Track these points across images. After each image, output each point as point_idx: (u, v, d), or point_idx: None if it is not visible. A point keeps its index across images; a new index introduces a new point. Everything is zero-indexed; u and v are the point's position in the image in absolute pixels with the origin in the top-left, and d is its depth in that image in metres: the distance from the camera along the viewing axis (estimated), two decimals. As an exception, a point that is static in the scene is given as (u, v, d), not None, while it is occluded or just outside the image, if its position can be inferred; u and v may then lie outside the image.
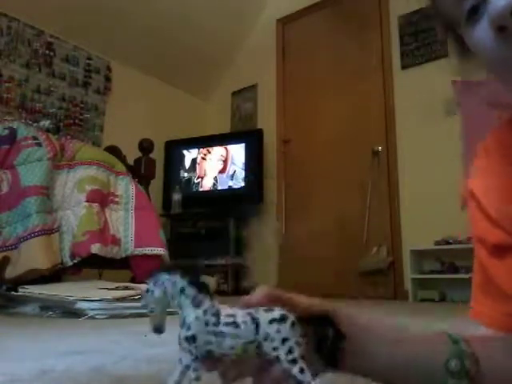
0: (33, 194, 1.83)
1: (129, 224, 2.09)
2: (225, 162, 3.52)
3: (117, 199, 2.13)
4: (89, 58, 3.29)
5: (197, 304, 0.31)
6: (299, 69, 3.57)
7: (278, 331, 0.30)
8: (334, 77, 3.34)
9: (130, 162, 2.71)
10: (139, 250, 2.04)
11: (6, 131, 1.96)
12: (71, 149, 2.11)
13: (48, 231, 1.83)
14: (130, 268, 2.09)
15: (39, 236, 1.78)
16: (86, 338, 0.96)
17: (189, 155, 3.65)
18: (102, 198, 2.05)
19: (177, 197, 3.41)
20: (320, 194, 3.23)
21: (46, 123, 2.37)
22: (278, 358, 0.30)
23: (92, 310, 1.44)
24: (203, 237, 3.31)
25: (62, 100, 3.10)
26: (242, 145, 3.47)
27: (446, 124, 2.72)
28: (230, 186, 3.47)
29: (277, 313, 0.31)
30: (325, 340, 0.34)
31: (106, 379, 0.46)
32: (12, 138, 1.95)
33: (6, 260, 1.73)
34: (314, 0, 3.50)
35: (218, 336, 0.30)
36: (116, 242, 2.01)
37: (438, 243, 2.57)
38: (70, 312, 1.45)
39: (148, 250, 2.05)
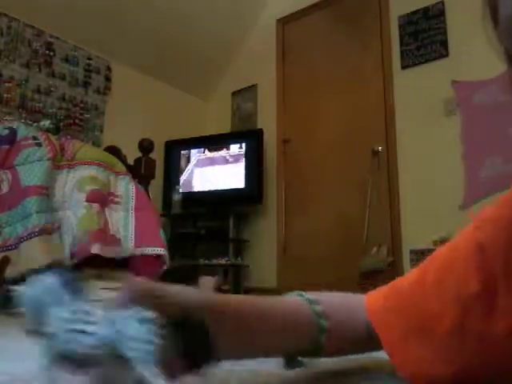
0: (33, 194, 1.83)
1: (129, 224, 2.09)
2: (225, 161, 3.52)
3: (117, 199, 2.13)
4: (89, 58, 3.29)
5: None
6: (299, 69, 3.57)
7: (138, 330, 0.28)
8: (334, 76, 3.34)
9: (130, 162, 2.71)
10: (139, 250, 2.04)
11: (6, 131, 1.96)
12: (71, 149, 2.11)
13: (48, 231, 1.83)
14: (130, 268, 2.09)
15: (39, 236, 1.78)
16: (86, 337, 0.96)
17: (189, 155, 3.65)
18: (102, 198, 2.05)
19: (177, 197, 3.40)
20: (320, 193, 3.23)
21: (46, 123, 2.37)
22: (132, 360, 0.27)
23: (92, 309, 1.43)
24: (203, 237, 3.31)
25: (62, 100, 3.10)
26: (242, 145, 3.47)
27: (446, 124, 2.72)
28: (229, 186, 3.46)
29: (139, 312, 0.28)
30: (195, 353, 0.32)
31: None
32: (12, 138, 1.95)
33: (6, 260, 1.73)
34: (314, 0, 3.51)
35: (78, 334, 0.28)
36: (116, 242, 2.01)
37: (436, 243, 2.57)
38: (70, 312, 1.45)
39: (148, 250, 2.05)
